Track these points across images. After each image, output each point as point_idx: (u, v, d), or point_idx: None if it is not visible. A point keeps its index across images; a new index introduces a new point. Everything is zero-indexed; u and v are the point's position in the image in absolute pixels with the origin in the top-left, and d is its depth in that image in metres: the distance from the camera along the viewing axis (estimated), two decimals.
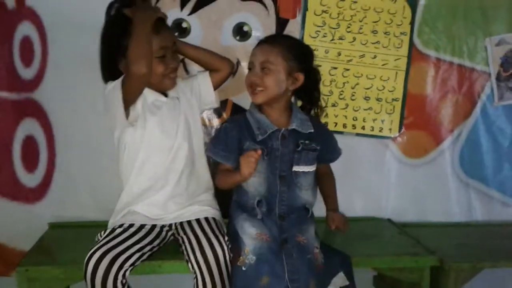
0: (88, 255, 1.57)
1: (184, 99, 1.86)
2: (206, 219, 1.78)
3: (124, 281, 1.57)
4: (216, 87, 1.91)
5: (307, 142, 1.80)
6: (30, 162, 2.12)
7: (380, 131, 2.33)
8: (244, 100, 1.99)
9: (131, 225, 1.74)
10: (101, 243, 1.62)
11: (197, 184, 1.86)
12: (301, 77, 1.84)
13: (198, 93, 1.90)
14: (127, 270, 1.58)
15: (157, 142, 1.79)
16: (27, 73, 2.09)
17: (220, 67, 1.89)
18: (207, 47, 1.94)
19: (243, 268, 1.64)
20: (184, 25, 2.16)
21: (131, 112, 1.73)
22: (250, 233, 1.70)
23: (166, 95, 1.82)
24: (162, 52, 1.73)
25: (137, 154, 1.79)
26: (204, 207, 1.83)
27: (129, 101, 1.70)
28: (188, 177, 1.83)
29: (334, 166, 2.19)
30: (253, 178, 1.76)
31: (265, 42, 1.81)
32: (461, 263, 1.89)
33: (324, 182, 1.92)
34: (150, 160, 1.79)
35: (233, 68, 1.95)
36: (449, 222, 2.36)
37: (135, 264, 1.62)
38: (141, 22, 1.65)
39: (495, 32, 2.33)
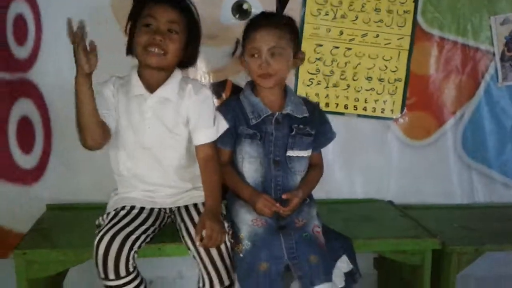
0: (98, 237, 1.53)
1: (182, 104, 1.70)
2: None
3: (134, 263, 1.55)
4: None
5: (301, 126, 1.77)
6: (26, 143, 2.08)
7: (382, 112, 2.29)
8: (244, 80, 1.93)
9: (132, 207, 1.71)
10: (109, 225, 1.58)
11: (193, 174, 1.77)
12: (303, 56, 1.81)
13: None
14: (136, 251, 1.56)
15: (132, 139, 1.71)
16: (21, 52, 2.03)
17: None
18: (206, 27, 1.86)
19: (241, 255, 1.61)
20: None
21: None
22: (246, 220, 1.67)
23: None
24: (147, 20, 1.63)
25: (122, 145, 1.72)
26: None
27: None
28: (181, 169, 1.75)
29: (335, 147, 2.18)
30: (248, 165, 1.74)
31: (267, 25, 1.72)
32: (463, 246, 1.87)
33: (308, 172, 1.82)
34: (134, 156, 1.72)
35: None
36: (450, 204, 2.35)
37: (141, 246, 1.59)
38: (76, 88, 1.48)
39: (500, 11, 2.28)
